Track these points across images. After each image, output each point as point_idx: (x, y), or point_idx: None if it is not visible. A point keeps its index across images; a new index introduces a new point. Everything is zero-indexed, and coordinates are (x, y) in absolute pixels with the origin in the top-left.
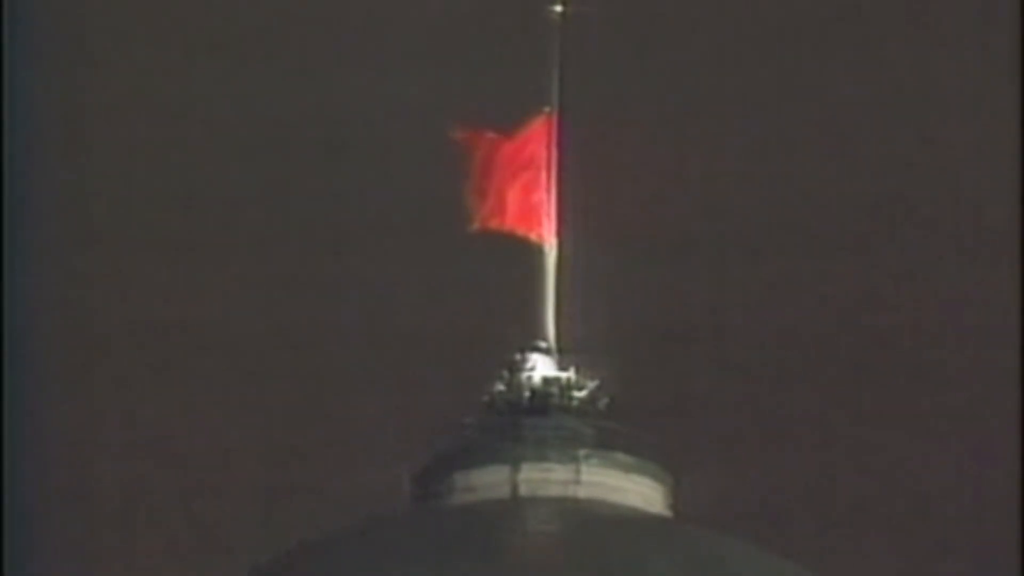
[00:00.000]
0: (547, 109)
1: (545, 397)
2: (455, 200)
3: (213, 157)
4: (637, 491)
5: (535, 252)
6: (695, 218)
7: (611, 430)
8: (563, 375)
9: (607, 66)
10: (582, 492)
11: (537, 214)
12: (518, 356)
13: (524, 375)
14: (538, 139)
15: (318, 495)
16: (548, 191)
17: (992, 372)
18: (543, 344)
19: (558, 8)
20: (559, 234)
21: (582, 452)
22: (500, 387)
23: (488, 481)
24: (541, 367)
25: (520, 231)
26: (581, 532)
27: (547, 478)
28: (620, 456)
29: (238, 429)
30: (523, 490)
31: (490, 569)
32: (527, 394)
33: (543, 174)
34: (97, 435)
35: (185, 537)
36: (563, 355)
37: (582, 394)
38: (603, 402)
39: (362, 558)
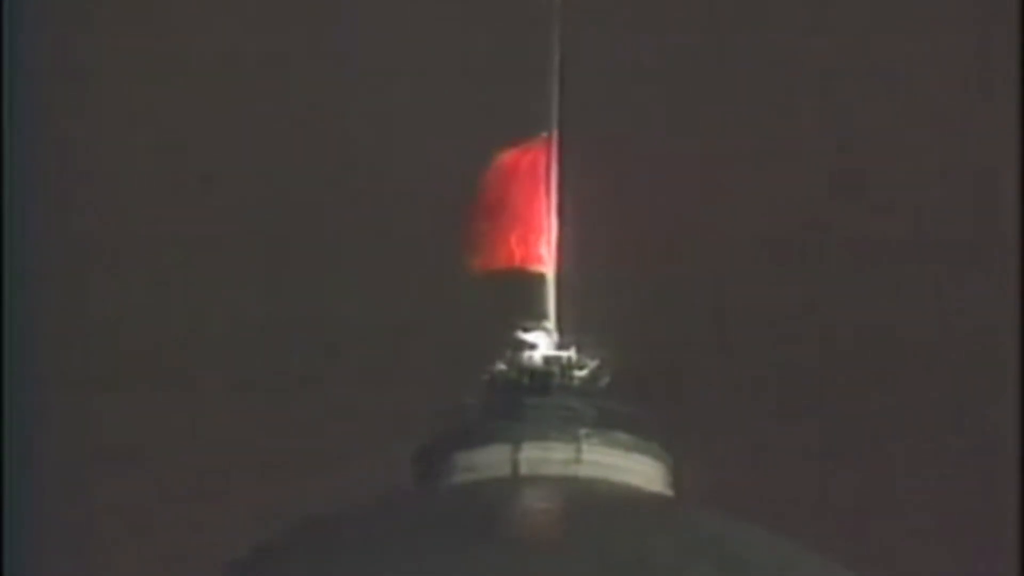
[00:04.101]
0: (545, 133)
1: (546, 376)
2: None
3: (214, 159)
4: (638, 470)
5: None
6: (697, 207)
7: (612, 409)
8: (564, 354)
9: (608, 59)
10: (583, 471)
11: (537, 253)
12: (519, 335)
13: (525, 354)
14: (537, 165)
15: (319, 475)
16: (548, 219)
17: (993, 360)
18: (544, 323)
19: None
20: (560, 217)
21: (583, 431)
22: (501, 366)
23: (489, 460)
24: (542, 346)
25: (521, 269)
26: (582, 511)
27: (548, 457)
28: (621, 435)
29: (237, 409)
30: (524, 469)
31: (491, 548)
32: (528, 373)
33: (543, 205)
34: (97, 416)
35: (186, 517)
36: (564, 334)
37: (583, 373)
38: (604, 381)
39: (362, 538)
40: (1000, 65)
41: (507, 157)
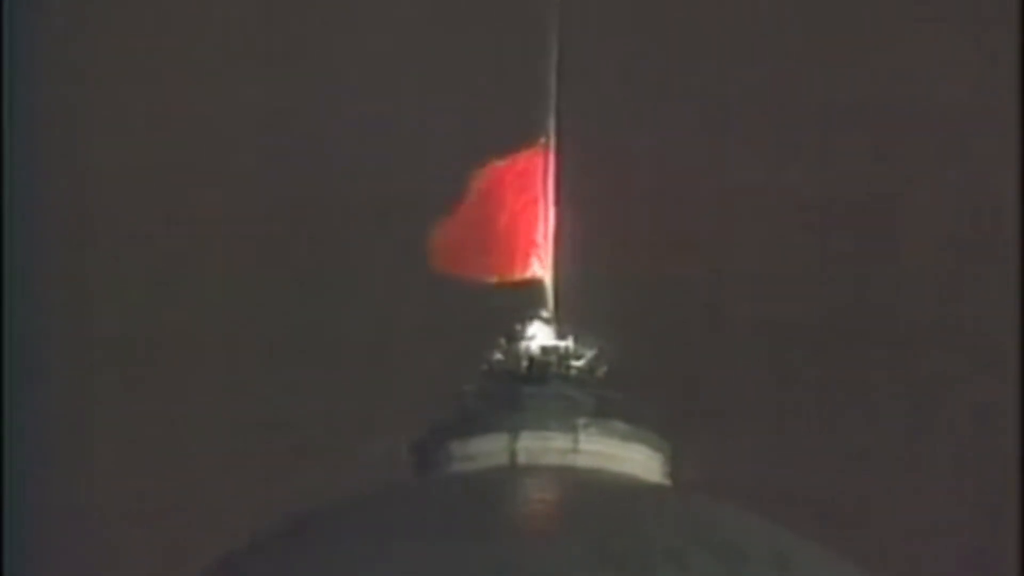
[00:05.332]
0: (543, 140)
1: (544, 366)
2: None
3: (214, 159)
4: (636, 460)
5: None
6: (696, 194)
7: (610, 399)
8: (562, 344)
9: (606, 60)
10: (581, 461)
11: (535, 260)
12: (517, 325)
13: (523, 344)
14: (534, 176)
15: (316, 465)
16: (545, 229)
17: (994, 356)
18: (542, 313)
19: None
20: (557, 198)
21: (581, 421)
22: (499, 356)
23: (486, 450)
24: (540, 336)
25: (518, 278)
26: (579, 501)
27: (545, 447)
28: (619, 425)
29: (236, 400)
30: (521, 459)
31: (488, 538)
32: (526, 363)
33: (539, 216)
34: (96, 412)
35: (184, 509)
36: (562, 324)
37: (581, 363)
38: (602, 371)
39: (360, 528)
40: (1000, 65)
41: (503, 164)
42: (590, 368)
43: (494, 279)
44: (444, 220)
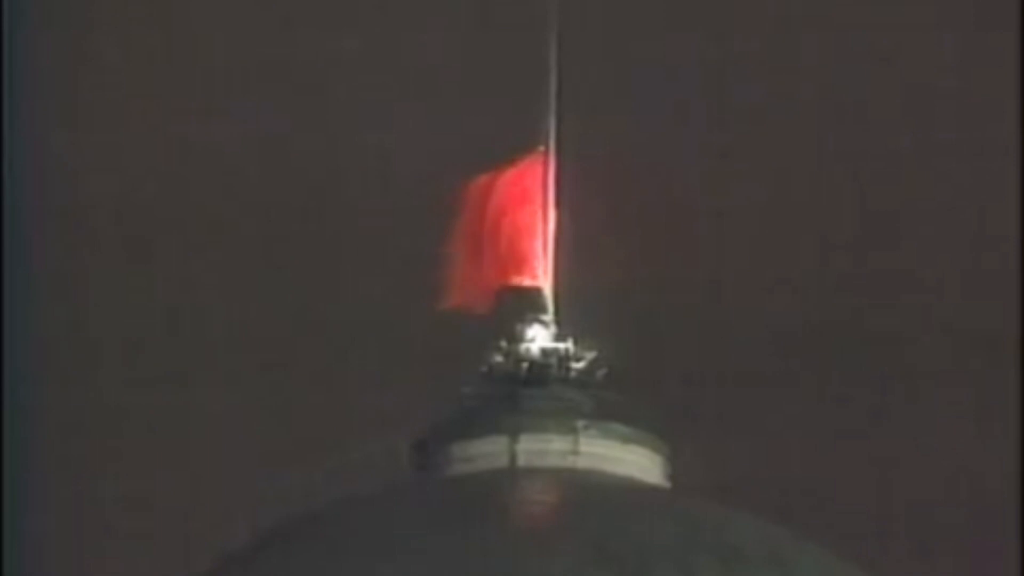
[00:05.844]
0: (542, 147)
1: (543, 368)
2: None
3: (216, 159)
4: (635, 462)
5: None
6: (696, 187)
7: (609, 401)
8: (561, 346)
9: (605, 65)
10: (580, 463)
11: (533, 263)
12: (517, 327)
13: (522, 346)
14: (533, 183)
15: (316, 465)
16: (545, 234)
17: (992, 352)
18: (542, 316)
19: None
20: (557, 205)
21: (580, 423)
22: (498, 358)
23: (486, 452)
24: (539, 338)
25: (519, 283)
26: (579, 502)
27: (545, 449)
28: (618, 427)
29: (236, 400)
30: (521, 461)
31: (487, 540)
32: (525, 365)
33: (539, 221)
34: (96, 406)
35: (184, 508)
36: (561, 326)
37: (580, 365)
38: (601, 373)
39: (360, 528)
40: (1000, 65)
41: (503, 171)
42: (589, 370)
43: (498, 301)
44: (446, 243)
